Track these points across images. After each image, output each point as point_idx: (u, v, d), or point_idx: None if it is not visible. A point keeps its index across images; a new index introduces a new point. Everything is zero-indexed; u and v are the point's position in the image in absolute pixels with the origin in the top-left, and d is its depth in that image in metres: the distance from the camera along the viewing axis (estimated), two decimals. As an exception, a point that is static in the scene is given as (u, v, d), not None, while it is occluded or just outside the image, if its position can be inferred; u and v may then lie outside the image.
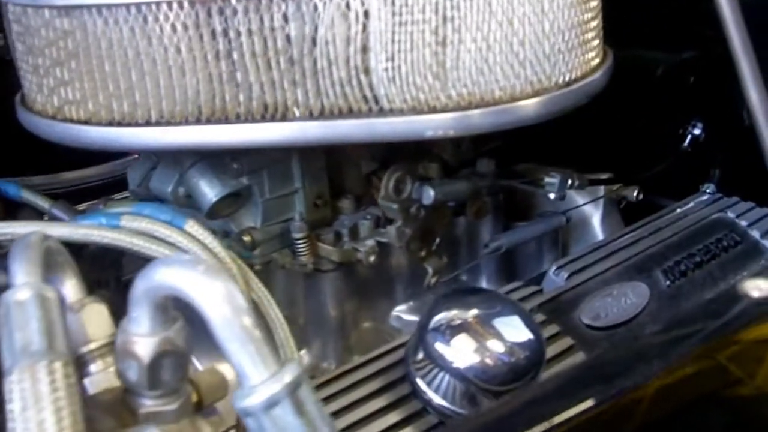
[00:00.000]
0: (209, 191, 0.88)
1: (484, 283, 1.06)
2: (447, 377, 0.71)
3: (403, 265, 0.98)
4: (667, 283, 0.92)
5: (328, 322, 0.96)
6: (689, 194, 1.09)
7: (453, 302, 0.74)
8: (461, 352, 0.70)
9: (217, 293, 0.51)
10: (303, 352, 0.94)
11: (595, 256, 0.94)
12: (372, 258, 0.91)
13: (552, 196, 0.99)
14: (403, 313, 1.01)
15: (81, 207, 1.03)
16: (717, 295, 0.91)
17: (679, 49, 1.09)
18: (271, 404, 0.49)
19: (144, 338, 0.54)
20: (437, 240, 0.96)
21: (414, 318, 1.00)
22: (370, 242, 0.91)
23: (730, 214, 1.02)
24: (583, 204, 1.08)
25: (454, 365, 0.70)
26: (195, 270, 0.52)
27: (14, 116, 0.88)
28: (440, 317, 0.72)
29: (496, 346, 0.71)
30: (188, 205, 0.90)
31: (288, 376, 0.49)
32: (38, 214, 0.87)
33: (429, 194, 0.89)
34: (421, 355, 0.72)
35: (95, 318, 0.59)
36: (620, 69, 0.91)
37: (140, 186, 0.93)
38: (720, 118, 0.92)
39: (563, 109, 0.79)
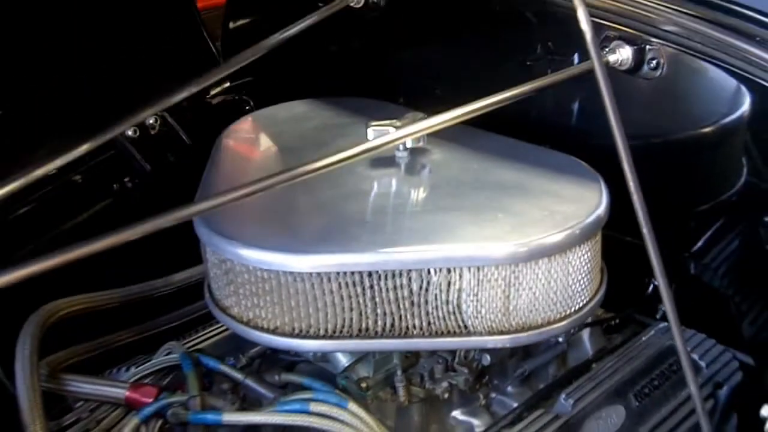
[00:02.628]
0: (342, 358, 1.34)
1: (509, 388, 1.52)
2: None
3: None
4: (637, 403, 1.40)
5: (411, 428, 1.42)
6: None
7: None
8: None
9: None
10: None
11: (589, 385, 1.40)
12: (446, 395, 1.37)
13: (561, 339, 1.46)
14: (458, 415, 1.47)
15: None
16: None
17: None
18: None
19: None
20: (486, 378, 1.43)
21: (467, 419, 1.47)
22: (444, 384, 1.37)
23: (678, 341, 1.50)
24: (579, 330, 1.54)
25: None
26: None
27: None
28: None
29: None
30: (324, 361, 1.36)
31: None
32: (232, 382, 1.32)
33: (487, 359, 1.36)
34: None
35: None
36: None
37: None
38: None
39: (580, 324, 1.26)
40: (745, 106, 1.37)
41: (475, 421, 1.45)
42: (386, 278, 1.18)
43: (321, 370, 1.41)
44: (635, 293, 1.61)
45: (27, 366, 1.26)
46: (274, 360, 1.46)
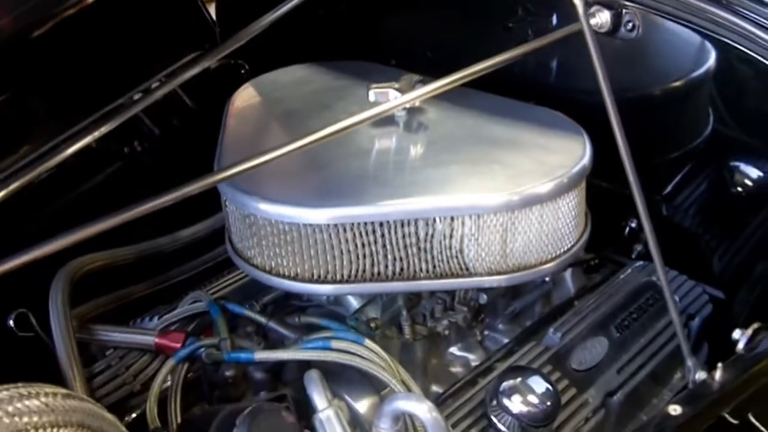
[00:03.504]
0: (353, 301, 1.48)
1: (500, 325, 1.67)
2: (509, 418, 1.32)
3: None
4: (618, 334, 1.55)
5: (415, 363, 1.56)
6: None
7: (509, 375, 1.35)
8: (516, 404, 1.31)
9: (429, 412, 1.13)
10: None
11: (575, 319, 1.55)
12: (447, 332, 1.52)
13: (547, 279, 1.61)
14: (456, 351, 1.61)
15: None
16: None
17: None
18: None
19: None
20: (482, 316, 1.58)
21: (463, 354, 1.61)
22: (445, 322, 1.51)
23: (653, 278, 1.65)
24: (563, 270, 1.68)
25: (513, 412, 1.31)
26: (422, 402, 1.13)
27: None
28: (504, 384, 1.33)
29: (533, 400, 1.32)
30: (337, 304, 1.50)
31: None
32: (255, 325, 1.45)
33: (484, 298, 1.50)
34: (494, 403, 1.33)
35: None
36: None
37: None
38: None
39: (568, 263, 1.40)
40: (711, 61, 1.52)
41: (471, 356, 1.59)
42: (396, 227, 1.31)
43: (331, 312, 1.54)
44: (611, 235, 1.76)
45: (61, 318, 1.37)
46: (285, 305, 1.58)
